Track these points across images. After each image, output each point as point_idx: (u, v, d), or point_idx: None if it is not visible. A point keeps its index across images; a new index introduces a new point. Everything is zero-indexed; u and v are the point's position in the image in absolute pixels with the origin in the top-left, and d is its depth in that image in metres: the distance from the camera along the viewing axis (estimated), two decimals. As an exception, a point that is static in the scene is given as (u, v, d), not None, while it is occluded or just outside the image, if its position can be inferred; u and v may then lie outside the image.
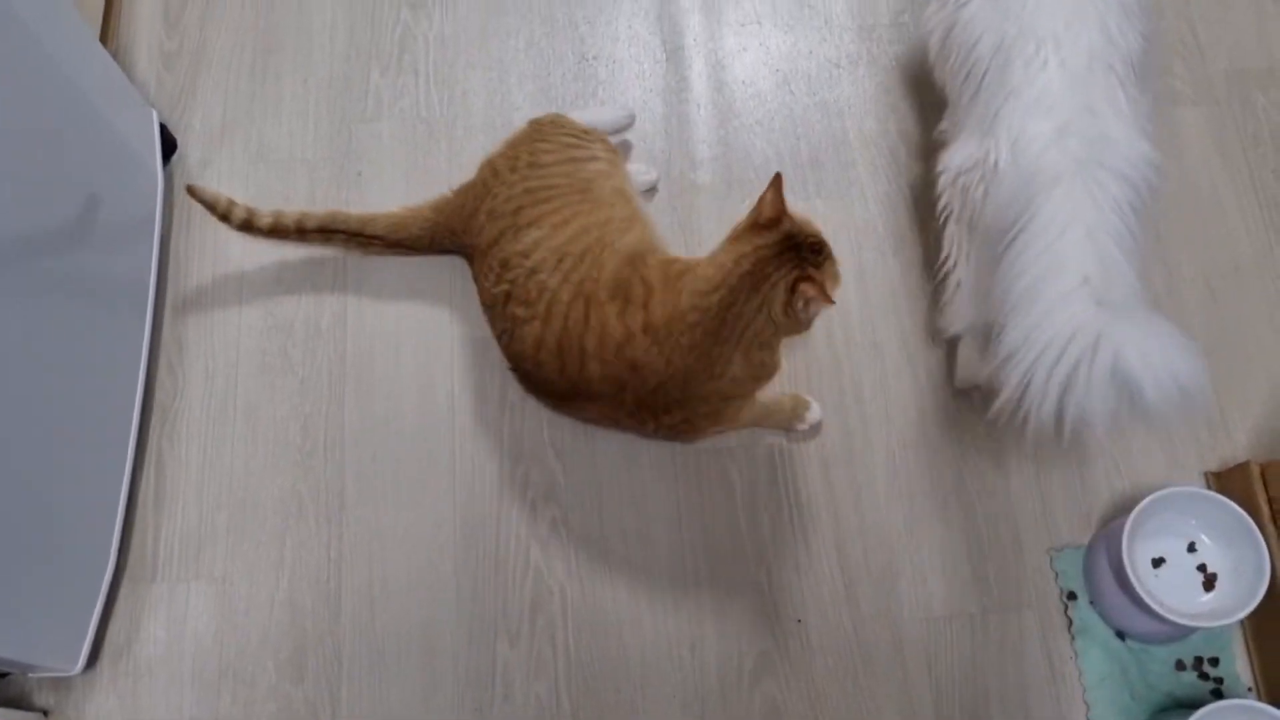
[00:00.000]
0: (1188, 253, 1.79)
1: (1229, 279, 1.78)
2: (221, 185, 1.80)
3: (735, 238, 1.37)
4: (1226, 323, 1.75)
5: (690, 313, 1.37)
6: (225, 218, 1.62)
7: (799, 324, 1.38)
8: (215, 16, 1.94)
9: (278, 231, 1.63)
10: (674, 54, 1.94)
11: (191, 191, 1.62)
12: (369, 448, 1.65)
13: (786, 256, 1.33)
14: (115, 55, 1.90)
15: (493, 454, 1.65)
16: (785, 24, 1.97)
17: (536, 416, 1.67)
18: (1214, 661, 1.54)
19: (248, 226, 1.62)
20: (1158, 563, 1.55)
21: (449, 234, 1.63)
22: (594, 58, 1.93)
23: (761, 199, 1.34)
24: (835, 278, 1.37)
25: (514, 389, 1.68)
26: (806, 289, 1.31)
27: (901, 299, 1.76)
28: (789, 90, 1.91)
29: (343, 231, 1.64)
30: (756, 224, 1.35)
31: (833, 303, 1.32)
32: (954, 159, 1.48)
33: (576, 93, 1.90)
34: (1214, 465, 1.66)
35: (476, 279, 1.60)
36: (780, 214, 1.33)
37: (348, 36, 1.93)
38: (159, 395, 1.68)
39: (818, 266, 1.34)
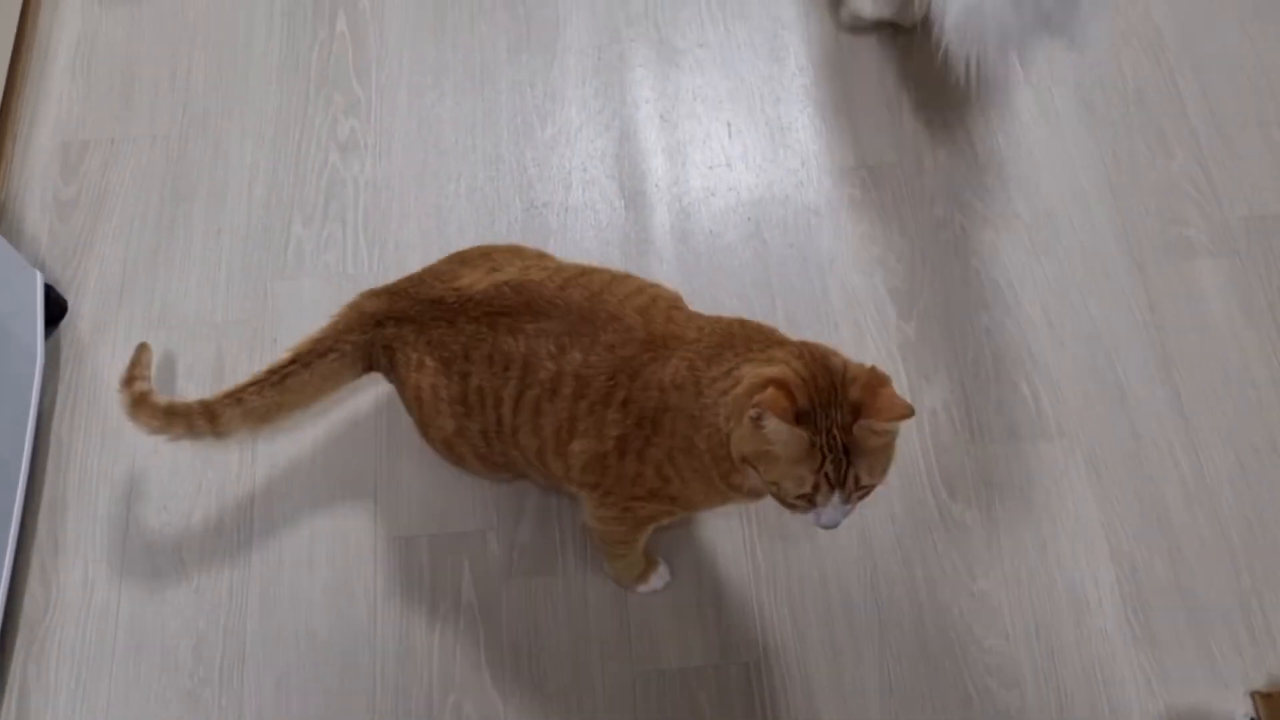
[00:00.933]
0: (1214, 427, 1.58)
1: (1264, 456, 1.57)
2: (116, 353, 1.57)
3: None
4: (1263, 508, 1.54)
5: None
6: (129, 381, 1.33)
7: (737, 436, 1.05)
8: (121, 160, 1.73)
9: (174, 417, 1.28)
10: (634, 200, 1.74)
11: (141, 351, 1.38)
12: (273, 673, 1.40)
13: (820, 381, 1.03)
14: (2, 204, 1.68)
15: (420, 679, 1.40)
16: (757, 165, 1.78)
17: (473, 633, 1.42)
18: None
19: (140, 401, 1.31)
20: (1207, 817, 1.31)
21: (387, 301, 1.28)
22: (544, 205, 1.73)
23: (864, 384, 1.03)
24: (810, 459, 1.01)
25: (447, 601, 1.43)
26: (773, 394, 0.99)
27: (893, 482, 1.54)
28: (761, 240, 1.71)
29: (251, 384, 1.26)
30: (837, 374, 1.05)
31: (780, 416, 0.97)
32: None
33: (526, 244, 1.69)
34: (1260, 683, 1.43)
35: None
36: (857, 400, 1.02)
37: (269, 182, 1.72)
38: (27, 608, 1.43)
39: (818, 413, 1.01)
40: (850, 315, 1.65)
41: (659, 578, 1.44)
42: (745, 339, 1.15)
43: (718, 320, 1.20)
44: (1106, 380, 1.61)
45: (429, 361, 1.23)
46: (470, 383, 1.22)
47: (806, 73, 1.86)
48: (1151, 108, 1.83)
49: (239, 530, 1.48)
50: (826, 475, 1.00)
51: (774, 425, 0.98)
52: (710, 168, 1.77)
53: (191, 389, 1.55)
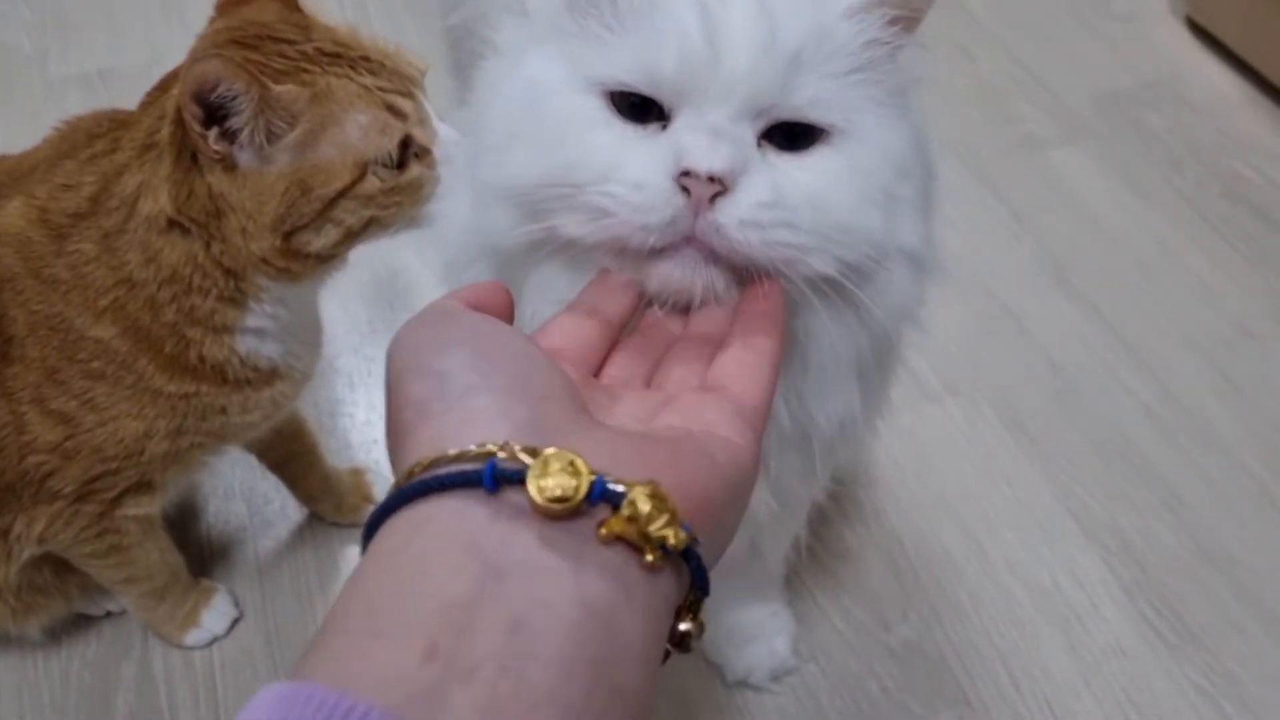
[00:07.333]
0: (1155, 329, 1.11)
1: (1237, 348, 1.09)
2: None
3: None
4: (1258, 408, 1.04)
5: None
6: None
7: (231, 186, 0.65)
8: None
9: None
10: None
11: None
12: None
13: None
14: None
15: None
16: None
17: None
18: None
19: None
20: None
21: None
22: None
23: None
24: None
25: None
26: (218, 65, 0.62)
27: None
28: None
29: None
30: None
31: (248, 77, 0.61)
32: None
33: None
34: (1383, 650, 0.88)
35: None
36: None
37: None
38: None
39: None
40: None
41: (216, 614, 0.88)
42: (87, 136, 0.70)
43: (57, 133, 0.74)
44: (994, 315, 1.13)
45: None
46: None
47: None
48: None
49: None
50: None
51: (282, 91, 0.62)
52: None
53: None
